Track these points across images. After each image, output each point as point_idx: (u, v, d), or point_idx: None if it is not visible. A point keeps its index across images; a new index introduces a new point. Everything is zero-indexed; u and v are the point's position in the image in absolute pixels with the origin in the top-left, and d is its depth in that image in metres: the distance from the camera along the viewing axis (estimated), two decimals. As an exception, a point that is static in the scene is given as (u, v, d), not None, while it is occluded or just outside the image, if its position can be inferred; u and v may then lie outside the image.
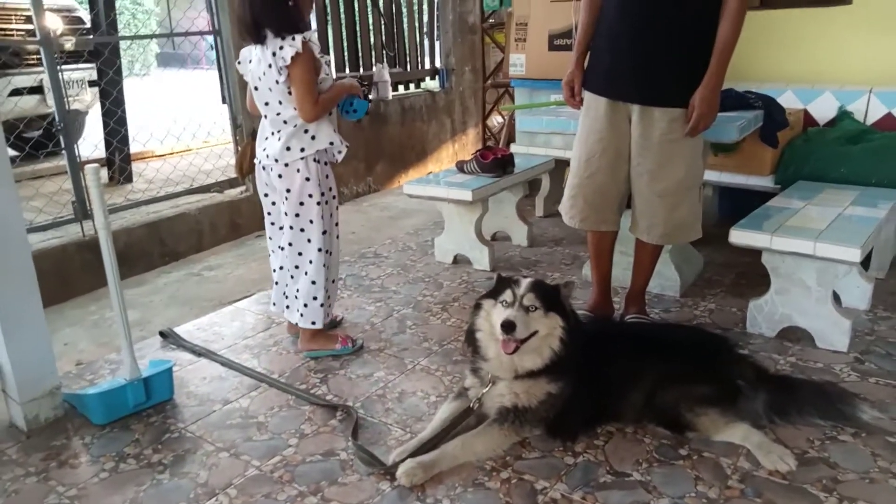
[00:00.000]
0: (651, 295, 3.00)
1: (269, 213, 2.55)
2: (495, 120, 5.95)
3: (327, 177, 2.43)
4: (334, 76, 2.41)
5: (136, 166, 4.77)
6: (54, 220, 3.49)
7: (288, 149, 2.34)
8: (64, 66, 3.69)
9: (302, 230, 2.43)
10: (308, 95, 2.25)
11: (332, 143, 2.37)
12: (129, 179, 4.55)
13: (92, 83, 4.80)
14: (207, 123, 4.67)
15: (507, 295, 1.90)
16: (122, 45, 14.65)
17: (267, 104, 2.35)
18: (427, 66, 6.12)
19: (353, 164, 5.08)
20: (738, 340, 2.49)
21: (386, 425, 2.09)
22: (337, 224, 2.52)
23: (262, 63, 2.29)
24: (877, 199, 2.83)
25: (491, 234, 3.85)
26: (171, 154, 5.38)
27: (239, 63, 2.42)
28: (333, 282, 2.55)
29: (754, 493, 1.72)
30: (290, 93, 2.29)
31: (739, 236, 2.51)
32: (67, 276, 3.25)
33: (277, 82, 2.27)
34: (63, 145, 3.46)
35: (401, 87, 5.76)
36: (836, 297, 2.66)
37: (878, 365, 2.35)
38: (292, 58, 2.20)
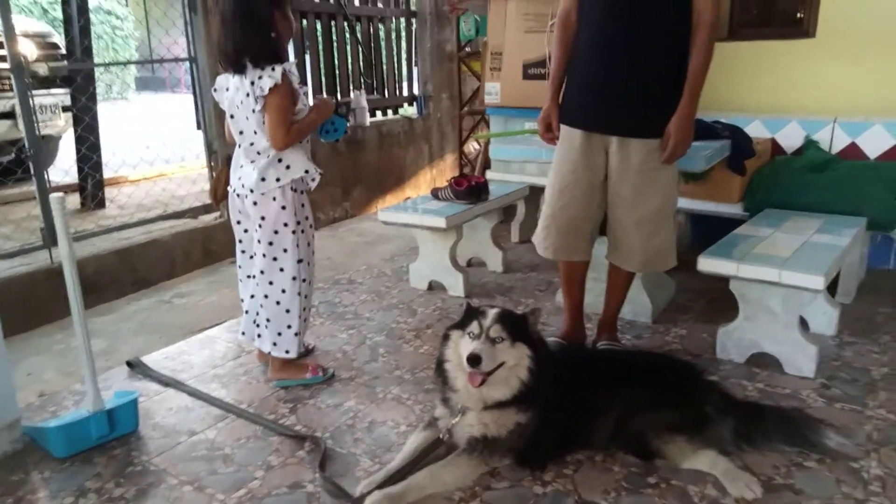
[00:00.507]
0: (623, 321, 3.02)
1: (240, 241, 2.54)
2: (472, 146, 6.00)
3: (303, 205, 2.41)
4: (304, 99, 2.41)
5: (109, 192, 4.73)
6: (22, 247, 3.44)
7: (263, 179, 2.33)
8: (36, 92, 3.67)
9: (275, 259, 2.41)
10: (281, 125, 2.24)
11: (307, 172, 2.37)
12: (101, 205, 4.50)
13: (66, 108, 4.76)
14: (182, 148, 4.65)
15: (474, 326, 1.89)
16: (99, 69, 14.56)
17: (241, 133, 2.34)
18: (405, 92, 6.18)
19: (329, 189, 5.08)
20: (708, 367, 2.51)
21: (355, 456, 2.06)
22: (314, 252, 2.50)
23: (239, 91, 2.29)
24: (841, 226, 2.89)
25: (466, 261, 3.86)
26: (145, 179, 5.33)
27: (215, 90, 2.41)
28: (307, 310, 2.53)
29: (721, 522, 1.73)
30: (265, 123, 2.28)
31: (707, 264, 2.54)
32: (34, 304, 3.20)
33: (254, 111, 2.27)
34: (33, 171, 3.42)
35: (379, 114, 5.80)
36: (804, 323, 2.70)
37: (843, 390, 2.38)
38: (270, 88, 2.20)
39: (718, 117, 3.48)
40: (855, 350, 2.69)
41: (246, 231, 2.50)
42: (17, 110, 3.39)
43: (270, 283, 2.44)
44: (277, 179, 2.33)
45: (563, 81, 2.58)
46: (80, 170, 4.36)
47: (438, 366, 2.01)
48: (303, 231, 2.41)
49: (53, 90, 4.56)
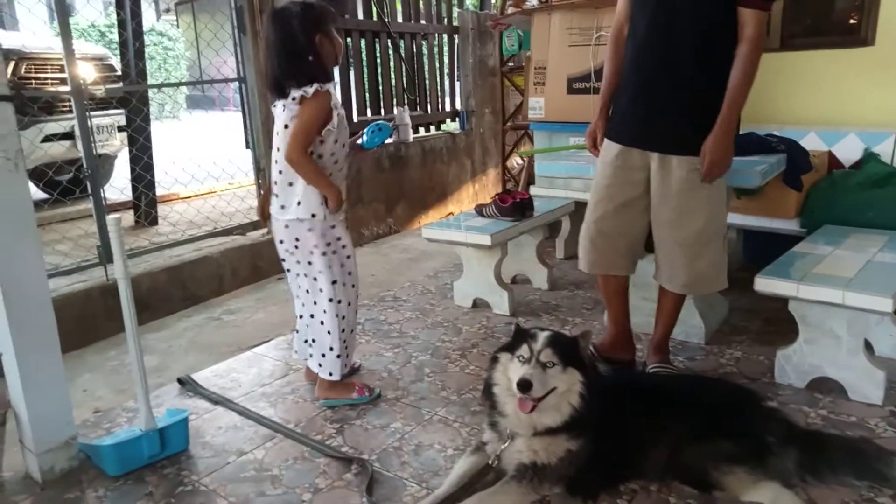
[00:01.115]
0: (675, 342, 2.93)
1: (283, 260, 2.55)
2: (515, 161, 5.97)
3: (333, 227, 2.40)
4: (344, 122, 2.39)
5: (161, 209, 4.86)
6: (79, 264, 3.55)
7: (283, 207, 2.37)
8: (94, 113, 3.80)
9: (315, 279, 2.43)
10: (299, 137, 2.23)
11: (313, 216, 2.33)
12: (154, 222, 4.62)
13: (121, 128, 4.92)
14: (231, 166, 4.74)
15: (524, 350, 1.85)
16: (152, 90, 15.10)
17: (278, 150, 2.37)
18: (448, 108, 6.20)
19: (373, 206, 5.11)
20: (767, 392, 2.42)
21: (402, 480, 2.04)
22: (350, 273, 2.48)
23: (282, 114, 2.32)
24: (907, 244, 2.75)
25: (511, 278, 3.82)
26: (196, 196, 5.46)
27: (274, 106, 2.43)
28: (352, 332, 2.52)
29: (787, 561, 1.64)
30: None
31: (765, 284, 2.45)
32: (90, 320, 3.29)
33: (286, 126, 2.29)
34: (90, 190, 3.53)
35: (422, 130, 5.83)
36: (868, 346, 2.57)
37: (915, 419, 2.25)
38: (299, 99, 2.23)
39: (772, 130, 3.37)
40: (926, 375, 2.55)
41: (287, 251, 2.52)
42: (76, 131, 3.50)
43: (315, 302, 2.46)
44: (293, 212, 2.36)
45: (612, 96, 2.55)
46: (134, 188, 4.50)
47: (486, 389, 1.97)
48: (334, 252, 2.40)
49: (110, 111, 4.71)
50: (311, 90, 2.22)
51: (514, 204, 3.41)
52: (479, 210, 3.58)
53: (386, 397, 2.57)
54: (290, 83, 2.26)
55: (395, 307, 3.56)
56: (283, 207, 2.37)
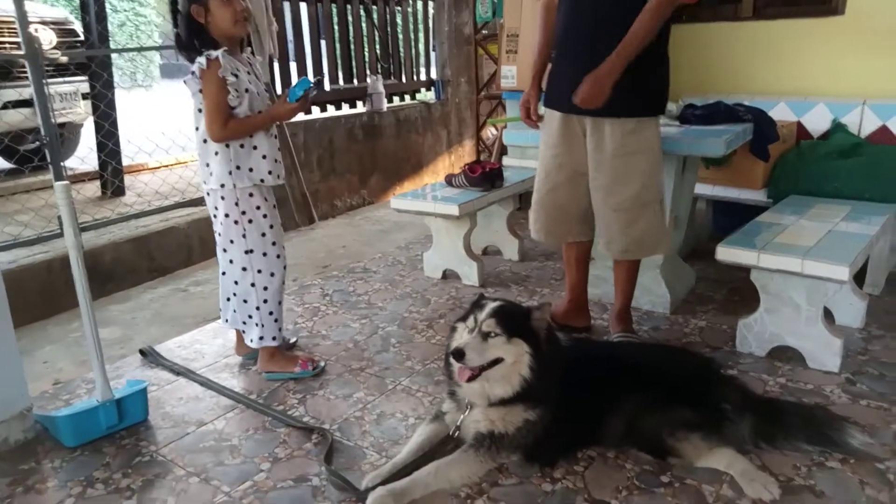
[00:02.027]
0: (641, 312, 2.95)
1: (217, 232, 2.48)
2: (489, 132, 5.92)
3: (251, 195, 2.34)
4: (259, 88, 2.33)
5: (127, 179, 4.75)
6: (39, 234, 3.47)
7: (205, 182, 2.35)
8: (53, 80, 3.68)
9: (224, 250, 2.41)
10: (213, 115, 2.20)
11: (222, 186, 2.29)
12: (120, 193, 4.53)
13: (85, 95, 4.78)
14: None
15: (470, 320, 1.85)
16: (125, 56, 14.65)
17: (197, 129, 2.32)
18: (423, 77, 6.11)
19: (346, 177, 5.06)
20: (728, 361, 2.44)
21: (362, 449, 2.04)
22: (275, 243, 2.41)
23: (191, 89, 2.27)
24: (869, 214, 2.77)
25: (482, 249, 3.81)
26: (164, 167, 5.36)
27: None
28: (279, 303, 2.47)
29: (736, 524, 1.67)
30: (199, 110, 2.26)
31: (726, 253, 2.46)
32: (52, 292, 3.23)
33: (200, 111, 2.26)
34: (49, 159, 3.44)
35: (396, 99, 5.75)
36: (829, 315, 2.60)
37: (870, 387, 2.29)
38: (197, 73, 2.19)
39: (742, 100, 3.35)
40: (883, 344, 2.59)
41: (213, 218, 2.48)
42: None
43: (224, 273, 2.46)
44: (205, 182, 2.34)
45: (544, 65, 2.55)
46: (99, 157, 4.39)
47: (446, 359, 1.96)
48: (250, 221, 2.35)
49: (72, 77, 4.57)
50: (204, 61, 2.17)
51: (483, 174, 3.38)
52: (449, 180, 3.55)
53: (350, 367, 2.56)
54: (186, 55, 2.23)
55: (365, 278, 3.54)
56: (205, 182, 2.36)
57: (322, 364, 2.53)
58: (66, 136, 4.87)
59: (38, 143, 4.43)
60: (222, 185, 2.31)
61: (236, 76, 2.23)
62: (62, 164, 3.54)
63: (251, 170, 2.32)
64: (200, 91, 2.21)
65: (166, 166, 5.33)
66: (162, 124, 5.14)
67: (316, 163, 4.79)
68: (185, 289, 3.55)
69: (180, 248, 3.88)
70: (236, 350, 2.65)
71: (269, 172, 2.36)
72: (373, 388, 2.40)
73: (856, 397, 2.23)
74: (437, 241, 3.45)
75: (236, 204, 2.33)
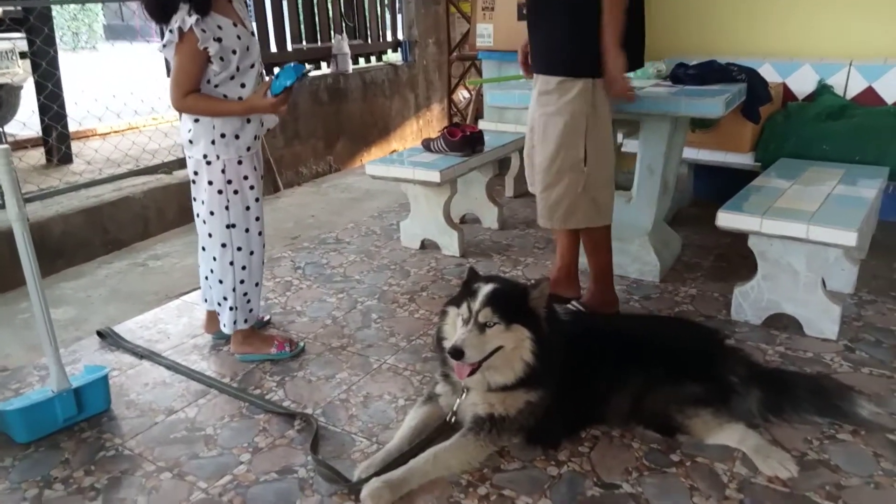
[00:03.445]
0: (629, 280, 2.85)
1: (194, 199, 2.26)
2: (461, 95, 5.71)
3: (240, 163, 2.13)
4: (253, 60, 2.11)
5: (75, 146, 4.41)
6: (-22, 207, 3.16)
7: (191, 142, 2.12)
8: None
9: (204, 222, 2.18)
10: (176, 84, 2.00)
11: (204, 156, 2.09)
12: (67, 160, 4.20)
13: (24, 54, 4.39)
14: (154, 100, 4.32)
15: (464, 309, 1.69)
16: (66, 14, 13.79)
17: None
18: (389, 38, 5.84)
19: (311, 142, 4.80)
20: (725, 330, 2.36)
21: (350, 434, 1.89)
22: (258, 219, 2.21)
23: (167, 47, 2.04)
24: (863, 177, 2.71)
25: (459, 217, 3.65)
26: (115, 133, 5.01)
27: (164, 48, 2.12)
28: (256, 284, 2.27)
29: (754, 504, 1.58)
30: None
31: (727, 219, 2.35)
32: (-5, 269, 2.95)
33: (168, 61, 2.05)
34: (-16, 123, 3.12)
35: (361, 61, 5.48)
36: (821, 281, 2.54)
37: (869, 353, 2.24)
38: (168, 44, 1.99)
39: (725, 60, 3.24)
40: (876, 309, 2.55)
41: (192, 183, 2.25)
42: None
43: (203, 248, 2.25)
44: (184, 149, 2.14)
45: None
46: (41, 121, 4.04)
47: (438, 343, 1.82)
48: (235, 192, 2.13)
49: (7, 34, 4.18)
50: (177, 33, 1.94)
51: (463, 138, 3.20)
52: (427, 144, 3.36)
53: (330, 346, 2.39)
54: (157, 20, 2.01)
55: (338, 249, 3.35)
56: (185, 148, 2.15)
57: (301, 345, 2.36)
58: (3, 99, 4.47)
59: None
60: (205, 157, 2.09)
61: (220, 40, 1.98)
62: (1, 129, 3.22)
63: (237, 137, 2.10)
64: (171, 49, 2.00)
65: (118, 132, 4.99)
66: (110, 87, 4.79)
67: (279, 127, 4.53)
68: (144, 263, 3.30)
69: (136, 219, 3.61)
70: (205, 328, 2.46)
71: (255, 137, 2.15)
72: (356, 367, 2.25)
73: (857, 365, 2.18)
74: (414, 210, 3.28)
75: (223, 172, 2.10)
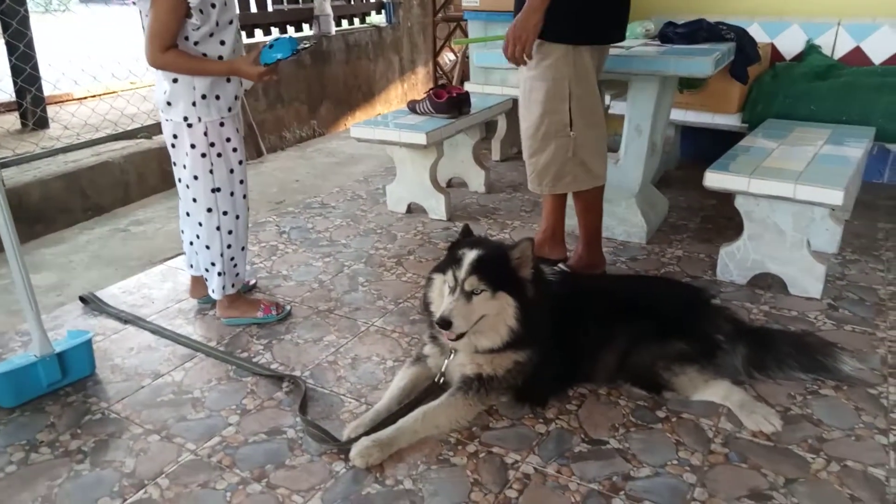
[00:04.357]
0: (616, 242, 2.85)
1: (174, 164, 2.20)
2: (447, 57, 5.62)
3: (221, 125, 2.06)
4: (232, 15, 2.02)
5: (51, 110, 4.29)
6: (-48, 171, 3.08)
7: (167, 103, 2.05)
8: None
9: (187, 186, 2.12)
10: (154, 38, 1.90)
11: (185, 119, 2.02)
12: (43, 125, 4.07)
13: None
14: (131, 63, 4.20)
15: (449, 277, 1.67)
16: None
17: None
18: (372, -1, 5.70)
19: (294, 106, 4.72)
20: (712, 290, 2.37)
21: (338, 396, 1.89)
22: (242, 182, 2.17)
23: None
24: (850, 137, 2.71)
25: (446, 181, 3.62)
26: (92, 97, 4.88)
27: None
28: (242, 248, 2.24)
29: (739, 458, 1.61)
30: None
31: (715, 179, 2.34)
32: (-28, 235, 2.89)
33: (141, 13, 1.95)
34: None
35: (344, 22, 5.36)
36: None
37: (852, 311, 2.27)
38: None
39: (717, 19, 3.21)
40: (859, 268, 2.58)
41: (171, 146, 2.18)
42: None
43: (188, 213, 2.19)
44: (161, 112, 2.06)
45: None
46: (14, 84, 3.92)
47: (425, 307, 1.81)
48: (219, 155, 2.08)
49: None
50: None
51: (450, 99, 3.15)
52: (412, 107, 3.31)
53: (318, 309, 2.38)
54: None
55: (324, 214, 3.31)
56: (161, 111, 2.07)
57: (287, 308, 2.34)
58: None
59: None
60: (185, 119, 2.02)
61: None
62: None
63: (218, 97, 2.03)
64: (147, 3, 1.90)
65: (95, 96, 4.85)
66: (86, 50, 4.66)
67: (261, 90, 4.43)
68: (126, 229, 3.25)
69: (116, 184, 3.54)
70: (190, 293, 2.43)
71: (236, 98, 2.09)
72: (344, 330, 2.24)
73: (840, 323, 2.20)
74: (400, 173, 3.24)
75: (205, 134, 2.04)
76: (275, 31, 4.73)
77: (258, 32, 4.62)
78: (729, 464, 1.59)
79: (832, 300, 2.34)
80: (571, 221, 2.60)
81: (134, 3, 1.98)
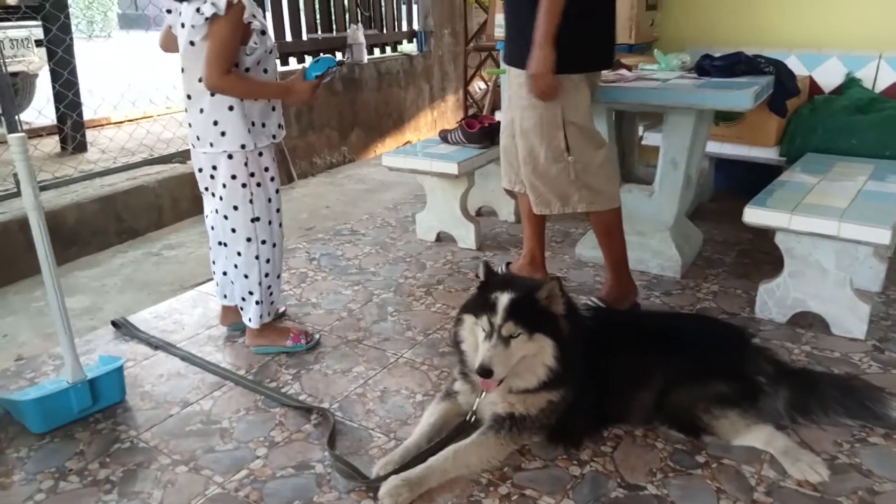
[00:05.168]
0: (650, 276, 2.80)
1: (205, 189, 2.21)
2: (477, 86, 5.64)
3: (261, 155, 2.08)
4: (272, 44, 2.05)
5: (90, 135, 4.40)
6: (-7, 194, 3.16)
7: (198, 138, 2.04)
8: (2, 23, 3.32)
9: (226, 217, 2.11)
10: (217, 61, 1.88)
11: (243, 147, 2.02)
12: (82, 149, 4.18)
13: (39, 42, 4.38)
14: (169, 89, 4.30)
15: (484, 322, 1.64)
16: (81, 4, 13.82)
17: (183, 71, 2.01)
18: (404, 28, 5.78)
19: (326, 132, 4.77)
20: (751, 328, 2.30)
21: (367, 430, 1.86)
22: (278, 210, 2.18)
23: (189, 26, 1.92)
24: (894, 173, 2.63)
25: (476, 210, 3.60)
26: (129, 121, 4.99)
27: (169, 12, 2.04)
28: (278, 276, 2.24)
29: (784, 509, 1.54)
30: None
31: (754, 215, 2.29)
32: (9, 257, 2.94)
33: (192, 43, 1.93)
34: (1, 111, 3.11)
35: (376, 51, 5.43)
36: (849, 279, 2.48)
37: (899, 354, 2.18)
38: (210, 18, 1.85)
39: (752, 52, 3.17)
40: (904, 308, 2.48)
41: (206, 178, 2.18)
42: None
43: (224, 244, 2.18)
44: (211, 144, 2.03)
45: None
46: (57, 110, 4.03)
47: (455, 344, 1.78)
48: (258, 184, 2.08)
49: (23, 22, 4.16)
50: (222, 4, 1.84)
51: (482, 129, 3.15)
52: (444, 136, 3.31)
53: (346, 339, 2.36)
54: None
55: (353, 241, 3.31)
56: (199, 138, 2.05)
57: (317, 337, 2.33)
58: (19, 87, 4.47)
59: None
60: (243, 146, 2.02)
61: (254, 17, 1.92)
62: (17, 117, 3.21)
63: (264, 125, 2.06)
64: (204, 37, 1.89)
65: (132, 120, 4.97)
66: (124, 76, 4.77)
67: (294, 117, 4.49)
68: (158, 253, 3.28)
69: (150, 208, 3.59)
70: (220, 320, 2.43)
71: (280, 126, 2.12)
72: (373, 361, 2.21)
73: (886, 366, 2.12)
74: (431, 202, 3.23)
75: (245, 164, 2.05)
76: (308, 60, 4.81)
77: (292, 61, 4.70)
78: (774, 515, 1.52)
79: (877, 341, 2.25)
80: (598, 252, 2.58)
81: (190, 27, 1.91)
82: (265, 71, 2.04)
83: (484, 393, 1.72)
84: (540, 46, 2.11)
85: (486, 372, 1.58)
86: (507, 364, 1.61)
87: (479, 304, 1.68)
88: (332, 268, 2.99)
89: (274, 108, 2.09)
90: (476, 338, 1.67)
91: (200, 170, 2.15)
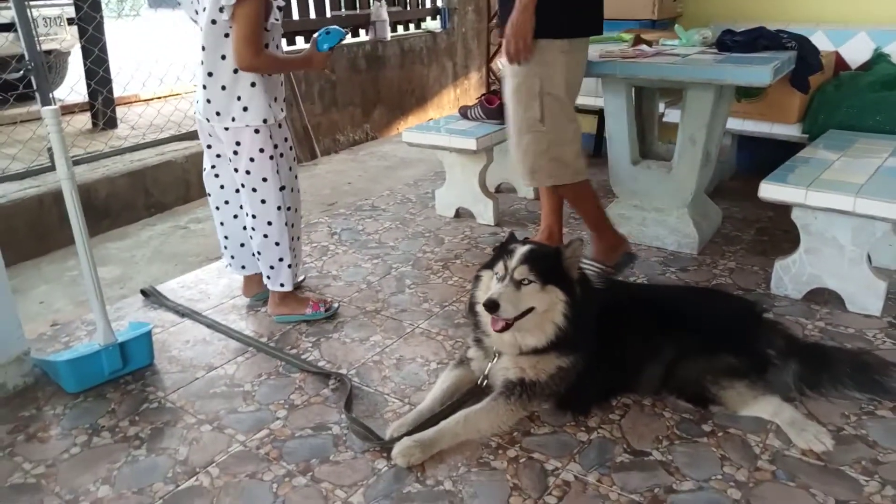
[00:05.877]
0: (667, 252, 2.81)
1: (212, 167, 2.29)
2: (500, 63, 5.63)
3: (280, 126, 2.15)
4: (279, 14, 2.09)
5: (120, 111, 4.51)
6: (29, 168, 3.27)
7: (218, 114, 2.09)
8: (36, 2, 3.41)
9: (254, 189, 2.17)
10: (249, 40, 1.92)
11: (265, 121, 2.08)
12: (112, 125, 4.30)
13: (71, 21, 4.49)
14: (195, 66, 4.37)
15: (500, 267, 1.70)
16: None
17: (204, 49, 2.03)
18: (427, 5, 5.77)
19: (349, 109, 4.81)
20: (765, 304, 2.31)
21: (382, 395, 1.93)
22: (297, 177, 2.27)
23: (211, 4, 1.95)
24: (917, 149, 2.60)
25: (495, 186, 3.63)
26: (158, 99, 5.09)
27: None
28: (297, 239, 2.32)
29: (787, 476, 1.57)
30: (227, 36, 1.98)
31: (770, 190, 2.29)
32: (44, 228, 3.06)
33: (214, 22, 1.96)
34: (35, 87, 3.21)
35: (399, 28, 5.44)
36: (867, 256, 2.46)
37: (914, 331, 2.18)
38: None
39: (777, 27, 3.12)
40: (923, 286, 2.47)
41: (219, 156, 2.25)
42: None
43: (254, 216, 2.22)
44: (233, 119, 2.08)
45: None
46: (88, 87, 4.14)
47: (471, 308, 1.83)
48: (282, 155, 2.16)
49: (55, 1, 4.27)
50: None
51: (501, 105, 3.16)
52: (464, 112, 3.34)
53: (365, 309, 2.43)
54: None
55: (374, 216, 3.37)
56: (218, 114, 2.09)
57: (336, 306, 2.40)
58: (52, 64, 4.58)
59: (22, 70, 4.17)
60: (265, 121, 2.09)
61: None
62: (50, 94, 3.31)
63: (276, 99, 2.13)
64: (230, 17, 1.92)
65: (160, 97, 5.07)
66: (153, 54, 4.86)
67: (317, 94, 4.54)
68: (185, 226, 3.38)
69: (178, 183, 3.69)
70: (244, 291, 2.51)
71: (284, 100, 2.21)
72: (390, 331, 2.28)
73: (901, 343, 2.12)
74: (450, 178, 3.27)
75: (270, 137, 2.12)
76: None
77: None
78: (776, 482, 1.56)
79: (893, 318, 2.25)
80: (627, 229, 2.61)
81: (217, 10, 1.93)
82: (277, 45, 2.11)
83: (496, 358, 1.78)
84: (518, 10, 2.14)
85: (492, 304, 1.63)
86: (515, 305, 1.65)
87: (497, 256, 1.75)
88: (352, 242, 3.06)
89: (282, 83, 2.17)
90: (492, 287, 1.72)
91: (209, 146, 2.23)
